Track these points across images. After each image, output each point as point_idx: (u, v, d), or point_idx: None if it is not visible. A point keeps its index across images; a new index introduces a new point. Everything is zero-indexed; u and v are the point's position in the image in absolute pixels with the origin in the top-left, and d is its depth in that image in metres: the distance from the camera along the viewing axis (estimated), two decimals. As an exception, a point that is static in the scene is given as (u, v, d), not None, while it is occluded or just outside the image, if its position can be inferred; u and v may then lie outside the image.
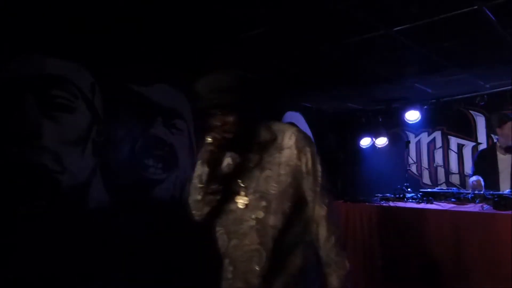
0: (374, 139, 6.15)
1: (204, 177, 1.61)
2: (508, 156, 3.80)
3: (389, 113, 6.12)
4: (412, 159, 6.36)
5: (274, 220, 1.61)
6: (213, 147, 1.57)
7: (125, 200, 3.66)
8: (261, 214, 1.62)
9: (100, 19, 2.97)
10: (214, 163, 1.60)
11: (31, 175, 3.04)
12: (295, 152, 1.63)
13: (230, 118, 1.55)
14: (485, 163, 4.01)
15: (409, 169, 6.15)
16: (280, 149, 1.64)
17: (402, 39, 3.36)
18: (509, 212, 2.84)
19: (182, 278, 3.70)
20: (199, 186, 1.63)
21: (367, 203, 3.73)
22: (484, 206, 3.09)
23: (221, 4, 2.71)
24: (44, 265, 2.95)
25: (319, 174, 1.65)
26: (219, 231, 1.73)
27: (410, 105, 5.67)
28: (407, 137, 6.29)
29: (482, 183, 3.66)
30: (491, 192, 3.32)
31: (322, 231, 1.63)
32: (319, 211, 1.64)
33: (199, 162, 1.65)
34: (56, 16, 2.90)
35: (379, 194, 3.96)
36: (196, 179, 1.66)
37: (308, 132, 4.58)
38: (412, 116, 5.65)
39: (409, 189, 4.05)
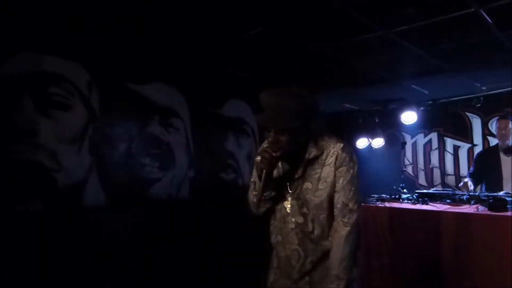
0: (370, 140, 6.17)
1: (258, 187, 1.78)
2: (510, 157, 3.81)
3: (385, 114, 6.14)
4: (408, 160, 6.38)
5: (310, 227, 1.79)
6: (263, 165, 1.72)
7: (121, 198, 3.65)
8: (300, 219, 1.80)
9: (98, 18, 2.96)
10: (266, 176, 1.73)
11: (27, 173, 3.03)
12: (333, 169, 1.75)
13: (283, 138, 1.69)
14: (487, 163, 4.01)
15: (405, 170, 6.16)
16: (322, 165, 1.77)
17: (400, 41, 3.37)
18: (503, 213, 2.85)
19: (179, 277, 3.70)
20: (254, 193, 1.83)
21: (362, 204, 3.74)
22: (479, 207, 3.10)
23: (221, 4, 2.71)
24: (41, 263, 2.94)
25: (347, 193, 1.74)
26: (272, 224, 1.94)
27: (406, 106, 5.68)
28: (404, 138, 6.31)
29: (470, 188, 3.70)
30: (486, 193, 3.34)
31: (332, 246, 1.74)
32: (335, 225, 1.76)
33: (254, 169, 1.84)
34: (53, 15, 2.89)
35: (375, 195, 3.97)
36: (252, 185, 1.87)
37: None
38: (409, 117, 5.67)
39: (405, 190, 4.06)
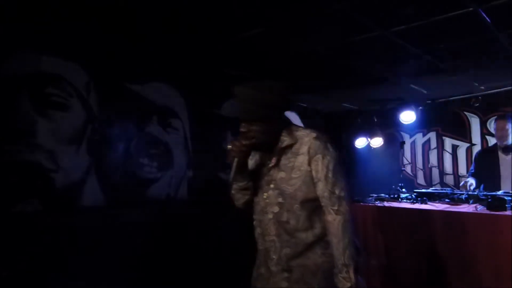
0: (369, 140, 6.17)
1: (231, 176, 1.81)
2: (509, 156, 3.82)
3: (384, 114, 6.14)
4: (407, 160, 6.39)
5: (286, 217, 1.77)
6: (234, 152, 1.76)
7: (119, 199, 3.65)
8: (276, 209, 1.80)
9: (96, 18, 2.95)
10: (238, 164, 1.77)
11: (25, 173, 3.02)
12: (307, 158, 1.75)
13: (254, 127, 1.74)
14: (486, 162, 4.02)
15: (404, 170, 6.18)
16: (296, 154, 1.78)
17: (398, 40, 3.37)
18: (502, 213, 2.85)
19: (177, 277, 3.69)
20: (230, 182, 1.87)
21: (362, 203, 3.74)
22: (478, 206, 3.10)
23: (221, 4, 2.71)
24: (38, 263, 2.93)
25: (330, 181, 1.73)
26: (254, 219, 1.92)
27: (405, 106, 5.68)
28: (402, 137, 6.32)
29: (471, 187, 3.70)
30: (485, 192, 3.34)
31: (331, 237, 1.72)
32: (328, 217, 1.73)
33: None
34: (52, 15, 2.89)
35: (374, 194, 3.98)
36: (230, 176, 1.86)
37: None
38: (407, 116, 5.67)
39: (403, 190, 4.06)
